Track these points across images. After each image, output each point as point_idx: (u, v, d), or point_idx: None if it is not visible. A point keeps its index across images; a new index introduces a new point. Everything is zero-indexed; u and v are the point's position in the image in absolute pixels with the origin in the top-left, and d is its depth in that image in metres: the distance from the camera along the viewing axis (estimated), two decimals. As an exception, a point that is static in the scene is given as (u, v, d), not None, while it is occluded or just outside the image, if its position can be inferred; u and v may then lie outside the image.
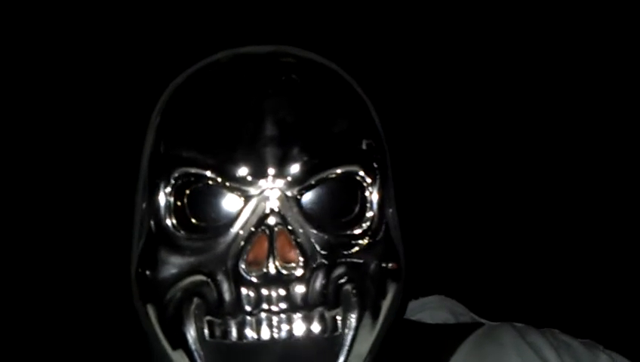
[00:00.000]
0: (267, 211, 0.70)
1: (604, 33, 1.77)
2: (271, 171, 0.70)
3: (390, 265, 0.75)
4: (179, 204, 0.73)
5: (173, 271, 0.72)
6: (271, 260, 0.68)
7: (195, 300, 0.71)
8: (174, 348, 0.72)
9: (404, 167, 0.84)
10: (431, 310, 0.95)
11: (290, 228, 0.70)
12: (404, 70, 1.60)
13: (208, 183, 0.72)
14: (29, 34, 1.63)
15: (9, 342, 1.58)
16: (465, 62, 1.74)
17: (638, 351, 0.86)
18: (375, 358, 0.75)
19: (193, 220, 0.73)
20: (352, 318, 0.71)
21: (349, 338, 0.71)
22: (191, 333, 0.71)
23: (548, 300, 1.73)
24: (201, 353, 0.71)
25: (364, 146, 0.75)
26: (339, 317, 0.71)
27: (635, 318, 1.73)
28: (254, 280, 0.68)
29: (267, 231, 0.70)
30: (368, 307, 0.72)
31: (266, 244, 0.69)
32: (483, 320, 0.92)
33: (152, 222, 0.74)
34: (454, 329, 0.90)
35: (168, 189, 0.73)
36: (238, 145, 0.71)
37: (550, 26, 1.79)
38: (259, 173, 0.70)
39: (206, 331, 0.70)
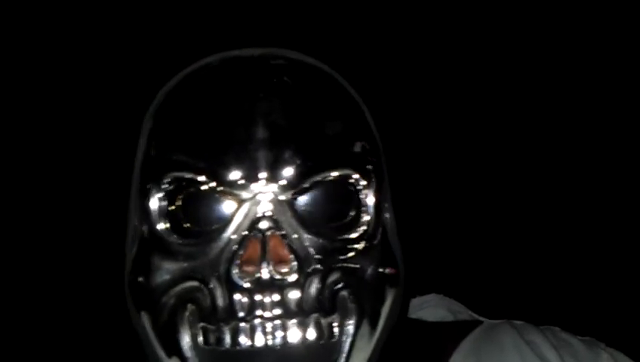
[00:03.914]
0: (259, 215, 0.69)
1: (604, 33, 1.75)
2: (263, 175, 0.69)
3: (388, 270, 0.73)
4: (172, 208, 0.72)
5: (166, 277, 0.71)
6: (264, 265, 0.67)
7: (189, 306, 0.70)
8: (169, 355, 0.71)
9: (401, 169, 0.83)
10: (429, 308, 0.94)
11: (283, 232, 0.69)
12: (401, 71, 1.59)
13: (200, 187, 0.71)
14: (16, 39, 1.62)
15: (6, 346, 1.58)
16: (464, 63, 1.73)
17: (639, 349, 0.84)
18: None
19: (186, 225, 0.72)
20: (350, 325, 0.70)
21: (346, 345, 0.70)
22: (185, 340, 0.69)
23: (546, 299, 1.71)
24: (196, 360, 0.69)
25: (358, 149, 0.74)
26: (335, 324, 0.70)
27: (635, 316, 1.71)
28: (247, 285, 0.67)
29: (259, 236, 0.69)
30: (366, 313, 0.71)
31: (258, 249, 0.68)
32: (482, 318, 0.90)
33: (144, 228, 0.73)
34: (453, 327, 0.88)
35: (160, 194, 0.72)
36: (229, 149, 0.70)
37: (551, 24, 1.78)
38: (251, 177, 0.69)
39: (200, 338, 0.69)
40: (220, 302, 0.68)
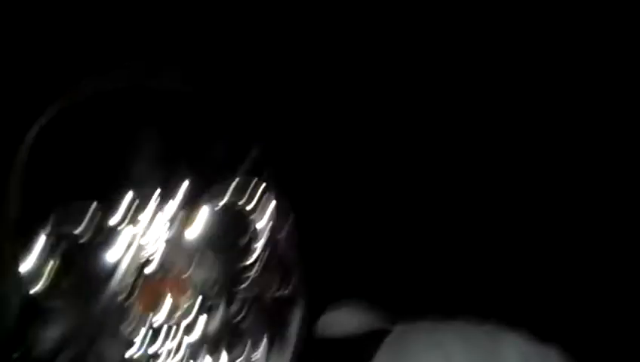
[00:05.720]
0: (148, 258, 0.66)
1: (604, 33, 1.65)
2: (144, 215, 0.66)
3: (286, 291, 0.72)
4: (49, 268, 0.68)
5: (50, 345, 0.67)
6: (161, 308, 0.65)
7: None
8: None
9: (300, 175, 0.80)
10: (341, 320, 0.92)
11: (174, 273, 0.67)
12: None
13: (79, 240, 0.67)
14: None
15: None
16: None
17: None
18: None
19: (69, 283, 0.68)
20: (257, 355, 0.69)
21: None
22: None
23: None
24: None
25: (240, 171, 0.71)
26: (242, 358, 0.68)
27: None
28: (143, 335, 0.65)
29: (149, 281, 0.66)
30: (272, 339, 0.70)
31: (150, 296, 0.66)
32: (391, 326, 0.88)
33: (17, 294, 0.69)
34: (365, 339, 0.86)
35: (34, 254, 0.68)
36: (102, 192, 0.66)
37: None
38: (132, 219, 0.66)
39: None
40: (118, 358, 0.66)
